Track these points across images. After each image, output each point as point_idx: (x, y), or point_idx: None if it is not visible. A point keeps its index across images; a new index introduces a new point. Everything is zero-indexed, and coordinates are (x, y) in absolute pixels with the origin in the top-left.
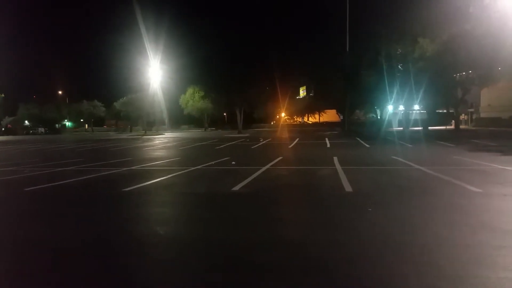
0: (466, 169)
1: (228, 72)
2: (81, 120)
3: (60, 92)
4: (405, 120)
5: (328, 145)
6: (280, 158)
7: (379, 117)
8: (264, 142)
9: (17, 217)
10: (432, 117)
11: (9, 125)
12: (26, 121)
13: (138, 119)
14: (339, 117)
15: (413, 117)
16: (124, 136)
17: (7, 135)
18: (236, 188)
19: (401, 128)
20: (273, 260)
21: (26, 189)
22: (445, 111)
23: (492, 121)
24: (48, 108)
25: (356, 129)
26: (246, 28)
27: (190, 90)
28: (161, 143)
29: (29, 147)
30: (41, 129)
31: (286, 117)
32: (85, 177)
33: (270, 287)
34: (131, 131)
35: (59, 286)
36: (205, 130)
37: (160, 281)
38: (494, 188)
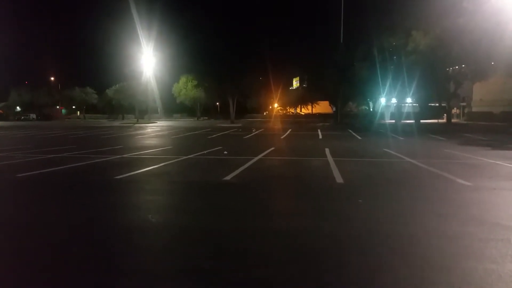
0: (457, 162)
1: (222, 62)
2: (73, 107)
3: (52, 78)
4: (398, 113)
5: (320, 137)
6: (272, 148)
7: (371, 110)
8: (256, 132)
9: (8, 203)
10: (424, 111)
11: (0, 111)
12: (18, 107)
13: (130, 107)
14: (332, 108)
15: (405, 110)
16: (116, 124)
17: None
18: (228, 177)
19: (393, 121)
20: (262, 249)
21: (18, 175)
22: (437, 104)
23: (484, 116)
24: (40, 94)
25: (349, 121)
26: (240, 18)
27: (183, 79)
28: (153, 131)
29: (21, 133)
30: (33, 115)
31: (279, 108)
32: (77, 164)
33: (259, 274)
34: (123, 119)
35: (49, 272)
36: (197, 119)
37: (150, 267)
38: (484, 181)
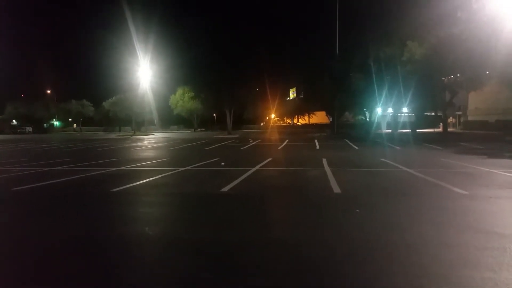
0: (453, 171)
1: (218, 73)
2: (70, 119)
3: (48, 91)
4: (394, 123)
5: (317, 147)
6: (270, 159)
7: (368, 119)
8: (253, 143)
9: (3, 216)
10: (421, 120)
11: None
12: (14, 120)
13: (127, 119)
14: (329, 119)
15: (401, 119)
16: (112, 136)
17: None
18: (225, 189)
19: (390, 131)
20: (260, 260)
21: (13, 189)
22: (433, 114)
23: (480, 125)
24: (36, 107)
25: (345, 131)
26: (236, 30)
27: (180, 91)
28: (150, 143)
29: (16, 146)
30: (29, 129)
31: (275, 119)
32: (73, 177)
33: (257, 284)
34: (120, 131)
35: (44, 285)
36: (194, 130)
37: (148, 279)
38: (480, 190)
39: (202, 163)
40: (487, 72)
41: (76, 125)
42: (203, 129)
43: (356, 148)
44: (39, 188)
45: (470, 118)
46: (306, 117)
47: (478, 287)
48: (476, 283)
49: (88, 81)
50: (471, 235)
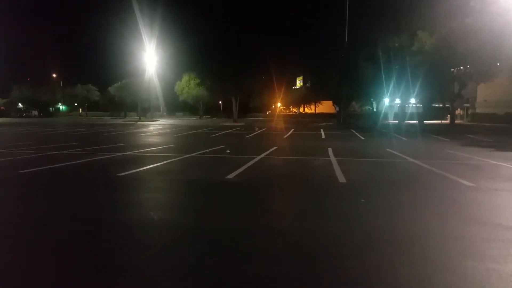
0: (460, 163)
1: (225, 60)
2: (75, 104)
3: (54, 75)
4: (401, 114)
5: (323, 136)
6: (275, 148)
7: (375, 110)
8: (259, 131)
9: (10, 199)
10: (428, 111)
11: (1, 107)
12: (20, 104)
13: (132, 105)
14: (335, 108)
15: (409, 110)
16: (118, 121)
17: (0, 117)
18: (230, 176)
19: (397, 121)
20: (264, 248)
21: (20, 172)
22: (441, 105)
23: (488, 117)
24: (42, 91)
25: (352, 121)
26: (244, 17)
27: (185, 77)
28: (156, 129)
29: (22, 129)
30: (35, 112)
31: (282, 107)
32: (79, 161)
33: (261, 274)
34: (125, 116)
35: (49, 269)
36: (200, 118)
37: (152, 264)
38: (487, 182)
39: (207, 150)
40: (498, 64)
41: (81, 110)
42: (209, 117)
43: (362, 138)
44: (46, 171)
45: (478, 110)
46: (312, 107)
47: (483, 279)
48: (480, 275)
49: (94, 66)
50: (476, 227)
